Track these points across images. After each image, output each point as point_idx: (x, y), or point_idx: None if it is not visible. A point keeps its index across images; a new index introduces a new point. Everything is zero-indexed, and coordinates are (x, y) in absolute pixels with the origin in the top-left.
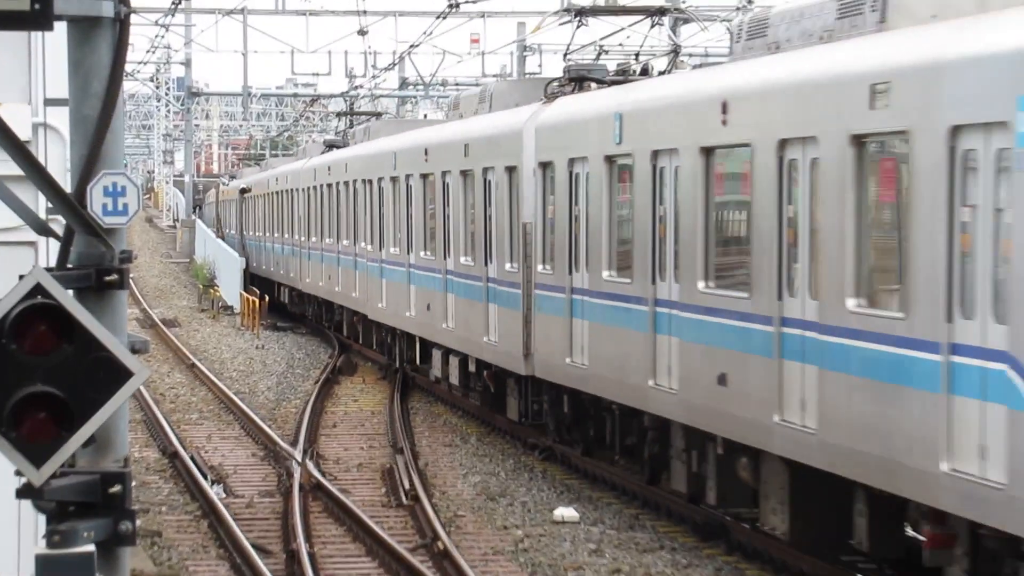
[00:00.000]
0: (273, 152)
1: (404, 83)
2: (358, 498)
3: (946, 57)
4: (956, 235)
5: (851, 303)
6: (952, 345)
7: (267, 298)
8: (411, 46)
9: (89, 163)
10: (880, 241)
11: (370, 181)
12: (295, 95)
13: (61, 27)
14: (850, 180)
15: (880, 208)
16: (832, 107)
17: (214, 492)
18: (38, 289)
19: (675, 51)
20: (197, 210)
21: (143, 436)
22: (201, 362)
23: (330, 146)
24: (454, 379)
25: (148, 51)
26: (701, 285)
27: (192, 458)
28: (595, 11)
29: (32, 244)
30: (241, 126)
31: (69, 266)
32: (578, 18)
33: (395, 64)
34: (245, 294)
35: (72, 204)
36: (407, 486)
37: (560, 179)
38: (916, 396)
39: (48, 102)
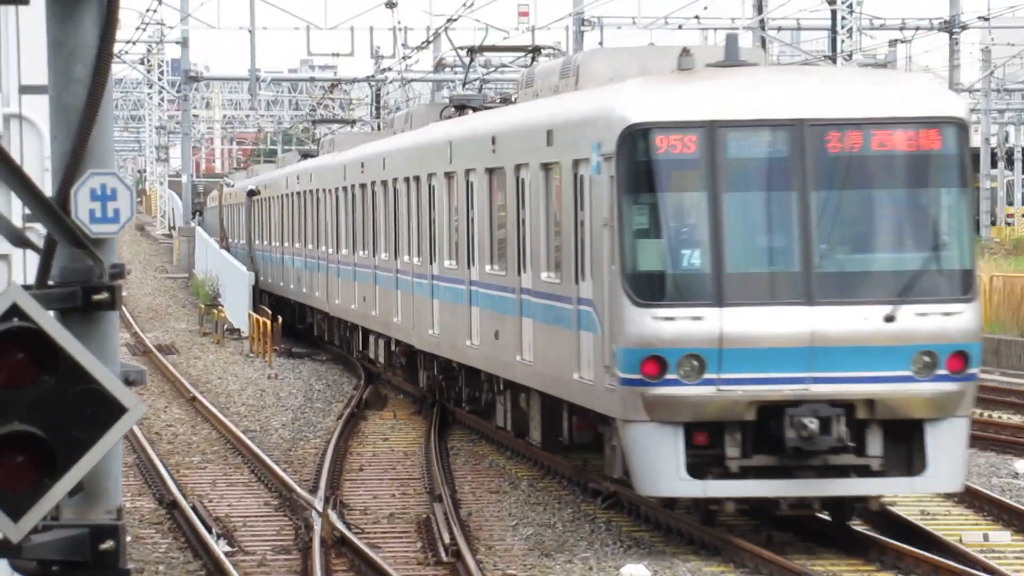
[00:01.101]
0: (286, 147)
1: (440, 65)
2: (389, 554)
3: (570, 116)
4: (578, 229)
5: (543, 275)
6: (579, 298)
7: (280, 320)
8: (449, 20)
9: (73, 161)
10: (555, 232)
11: (328, 191)
12: (311, 80)
13: (38, 1)
14: (541, 193)
15: (554, 211)
16: (533, 144)
17: (220, 548)
18: (14, 311)
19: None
20: (197, 216)
21: (136, 483)
22: (203, 395)
23: (304, 155)
24: (381, 358)
25: (138, 28)
26: (487, 268)
27: (194, 508)
28: (484, 49)
29: (6, 258)
30: (248, 116)
31: (50, 283)
32: (470, 55)
33: (429, 42)
34: (255, 315)
35: (53, 210)
36: (447, 540)
37: (424, 190)
38: (567, 333)
39: (23, 90)
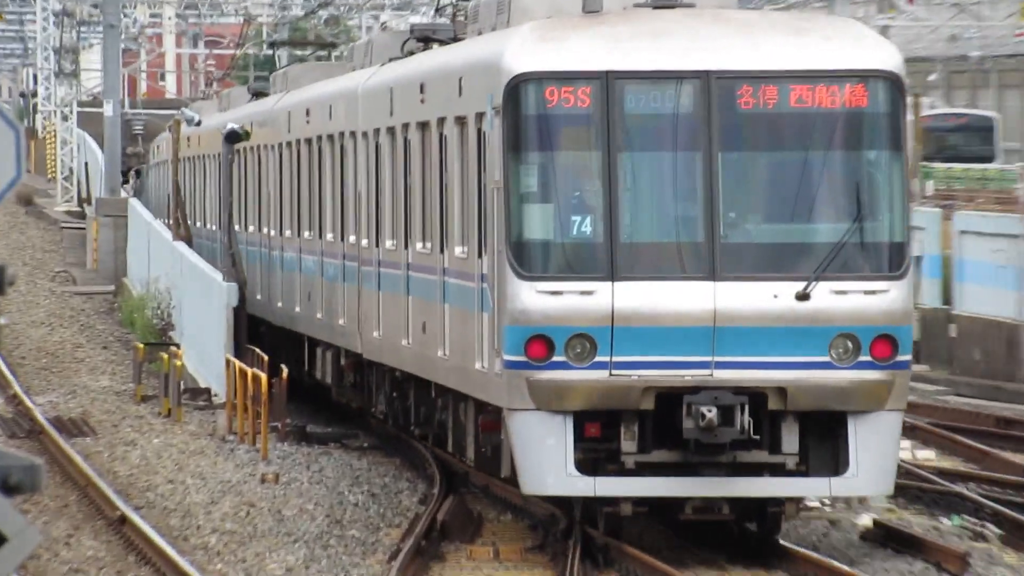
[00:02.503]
0: (295, 53)
1: None
2: None
3: (475, 61)
4: (481, 194)
5: (457, 250)
6: (480, 275)
7: (286, 372)
8: None
9: None
10: (470, 199)
11: (270, 147)
12: None
13: None
14: (456, 153)
15: (466, 173)
16: (449, 94)
17: None
18: None
19: None
20: (132, 179)
21: None
22: (140, 513)
23: (256, 94)
24: (328, 377)
25: None
26: (419, 247)
27: None
28: None
29: None
30: None
31: None
32: None
33: None
34: (236, 362)
35: None
36: None
37: (371, 148)
38: (470, 316)
39: None
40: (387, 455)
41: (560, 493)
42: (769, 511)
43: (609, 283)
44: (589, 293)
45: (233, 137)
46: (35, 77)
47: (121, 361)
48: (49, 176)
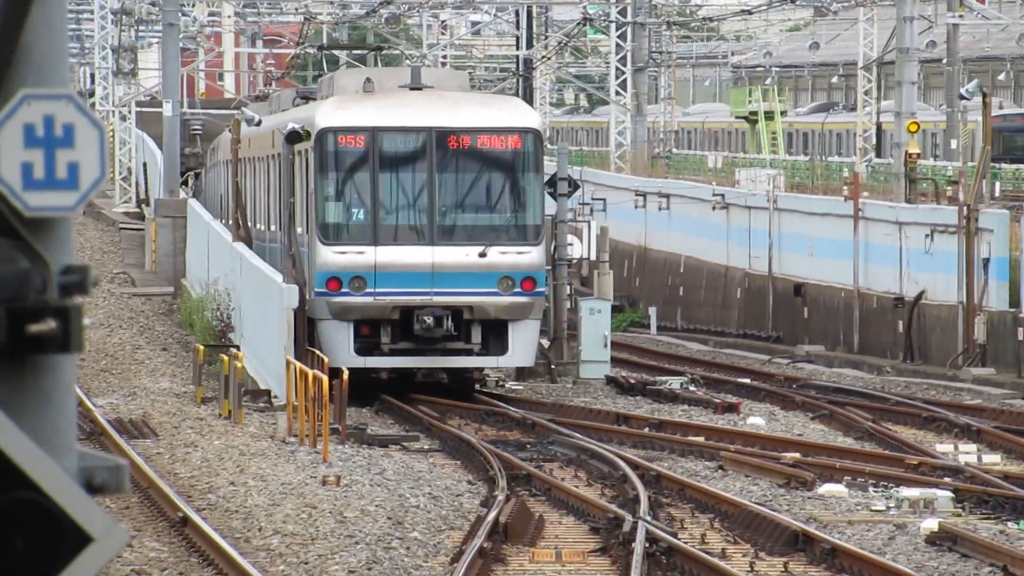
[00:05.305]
0: (354, 53)
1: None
2: None
3: (306, 119)
4: (307, 196)
5: (299, 229)
6: (309, 243)
7: (346, 374)
8: None
9: None
10: (305, 199)
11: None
12: None
13: None
14: (300, 171)
15: (301, 184)
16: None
17: None
18: None
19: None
20: (190, 180)
21: None
22: (202, 514)
23: (304, 98)
24: None
25: None
26: (273, 228)
27: None
28: (332, 47)
29: None
30: None
31: None
32: (320, 51)
33: None
34: (297, 363)
35: None
36: None
37: (262, 168)
38: (307, 266)
39: None
40: (449, 457)
41: (347, 366)
42: (465, 376)
43: (374, 247)
44: (362, 252)
45: (294, 137)
46: (92, 76)
47: (181, 363)
48: (107, 177)
